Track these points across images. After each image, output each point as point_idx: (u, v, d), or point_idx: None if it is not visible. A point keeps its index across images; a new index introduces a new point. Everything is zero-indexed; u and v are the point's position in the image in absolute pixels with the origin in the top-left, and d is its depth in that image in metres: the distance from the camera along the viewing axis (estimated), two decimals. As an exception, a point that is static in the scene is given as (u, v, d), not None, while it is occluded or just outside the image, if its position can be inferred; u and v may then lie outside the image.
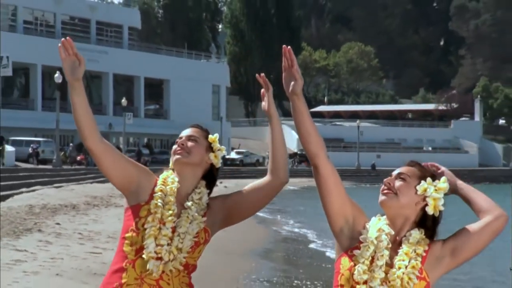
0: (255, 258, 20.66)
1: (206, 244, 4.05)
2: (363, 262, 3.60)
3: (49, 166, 53.23)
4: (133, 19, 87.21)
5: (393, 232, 3.68)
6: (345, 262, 3.64)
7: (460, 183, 3.86)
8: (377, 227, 3.67)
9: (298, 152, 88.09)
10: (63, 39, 3.94)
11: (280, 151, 4.09)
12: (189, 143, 4.10)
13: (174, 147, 4.12)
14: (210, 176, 4.17)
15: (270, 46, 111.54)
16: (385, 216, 3.73)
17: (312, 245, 25.26)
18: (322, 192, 3.71)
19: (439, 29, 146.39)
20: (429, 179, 3.72)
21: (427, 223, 3.72)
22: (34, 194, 33.01)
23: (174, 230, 3.98)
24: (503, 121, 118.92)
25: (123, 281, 3.90)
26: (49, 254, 16.17)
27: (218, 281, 14.64)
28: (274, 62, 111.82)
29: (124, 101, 72.69)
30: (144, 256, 3.90)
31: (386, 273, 3.61)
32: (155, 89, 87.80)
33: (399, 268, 3.61)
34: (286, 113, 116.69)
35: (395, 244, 3.68)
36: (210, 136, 4.18)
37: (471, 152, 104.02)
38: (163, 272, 3.91)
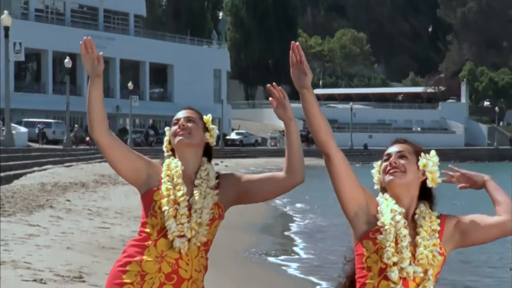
0: (254, 233, 20.69)
1: (221, 220, 4.04)
2: (390, 246, 3.56)
3: (59, 146, 53.19)
4: (138, 7, 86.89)
5: (403, 210, 3.64)
6: (369, 245, 3.60)
7: (487, 179, 3.85)
8: (389, 209, 3.63)
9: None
10: (85, 37, 3.95)
11: (297, 152, 3.99)
12: (189, 124, 4.07)
13: (174, 128, 4.10)
14: (207, 155, 4.15)
15: (269, 33, 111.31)
16: (387, 195, 3.69)
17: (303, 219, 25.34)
18: (335, 179, 3.64)
19: (428, 16, 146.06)
20: (423, 154, 3.72)
21: (426, 195, 3.73)
22: (46, 172, 33.00)
23: (190, 208, 3.97)
24: (488, 103, 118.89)
25: (144, 257, 3.91)
26: (61, 228, 16.18)
27: (219, 254, 14.66)
28: (272, 48, 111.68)
29: (130, 85, 72.55)
30: (169, 236, 3.91)
31: (411, 252, 3.60)
32: (160, 74, 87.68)
33: (425, 247, 3.60)
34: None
35: (408, 221, 3.65)
36: (204, 116, 4.16)
37: (457, 132, 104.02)
38: (187, 249, 3.92)
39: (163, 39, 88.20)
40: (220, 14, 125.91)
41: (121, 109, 73.45)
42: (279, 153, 78.64)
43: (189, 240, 3.92)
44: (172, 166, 4.04)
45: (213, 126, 4.17)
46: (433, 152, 3.74)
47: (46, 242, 13.95)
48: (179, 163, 4.05)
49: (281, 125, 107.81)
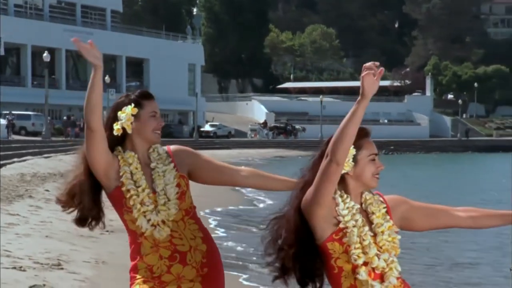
0: (224, 217, 20.68)
1: (189, 189, 4.07)
2: (356, 247, 3.55)
3: (39, 138, 52.89)
4: (115, 3, 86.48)
5: (358, 206, 3.64)
6: (335, 247, 3.56)
7: None
8: (346, 209, 3.60)
9: (277, 125, 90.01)
10: (89, 41, 4.03)
11: (275, 190, 4.17)
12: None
13: (153, 122, 4.07)
14: None
15: (242, 28, 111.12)
16: (342, 192, 3.65)
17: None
18: (330, 184, 3.51)
19: (394, 12, 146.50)
20: None
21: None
22: (25, 163, 32.79)
23: (155, 192, 3.99)
24: (452, 96, 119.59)
25: (142, 252, 3.96)
26: (40, 217, 16.10)
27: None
28: (246, 43, 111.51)
29: (107, 79, 72.19)
30: (145, 234, 3.94)
31: (375, 242, 3.59)
32: (136, 68, 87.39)
33: (383, 233, 3.61)
34: (256, 89, 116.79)
35: (362, 211, 3.66)
36: None
37: (422, 124, 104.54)
38: (172, 231, 3.94)
39: (140, 34, 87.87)
40: (194, 9, 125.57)
41: (98, 101, 72.94)
42: (252, 144, 78.66)
43: (164, 222, 3.93)
44: (129, 161, 4.02)
45: None
46: None
47: (26, 231, 13.87)
48: (132, 153, 4.04)
49: (254, 118, 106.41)
